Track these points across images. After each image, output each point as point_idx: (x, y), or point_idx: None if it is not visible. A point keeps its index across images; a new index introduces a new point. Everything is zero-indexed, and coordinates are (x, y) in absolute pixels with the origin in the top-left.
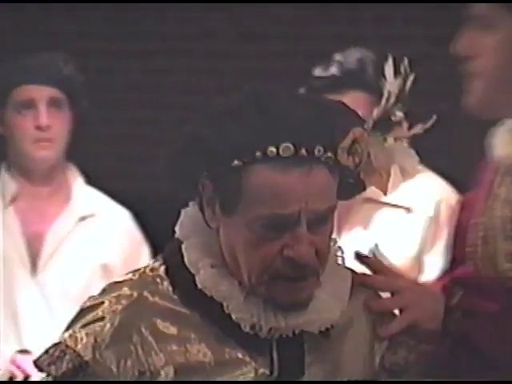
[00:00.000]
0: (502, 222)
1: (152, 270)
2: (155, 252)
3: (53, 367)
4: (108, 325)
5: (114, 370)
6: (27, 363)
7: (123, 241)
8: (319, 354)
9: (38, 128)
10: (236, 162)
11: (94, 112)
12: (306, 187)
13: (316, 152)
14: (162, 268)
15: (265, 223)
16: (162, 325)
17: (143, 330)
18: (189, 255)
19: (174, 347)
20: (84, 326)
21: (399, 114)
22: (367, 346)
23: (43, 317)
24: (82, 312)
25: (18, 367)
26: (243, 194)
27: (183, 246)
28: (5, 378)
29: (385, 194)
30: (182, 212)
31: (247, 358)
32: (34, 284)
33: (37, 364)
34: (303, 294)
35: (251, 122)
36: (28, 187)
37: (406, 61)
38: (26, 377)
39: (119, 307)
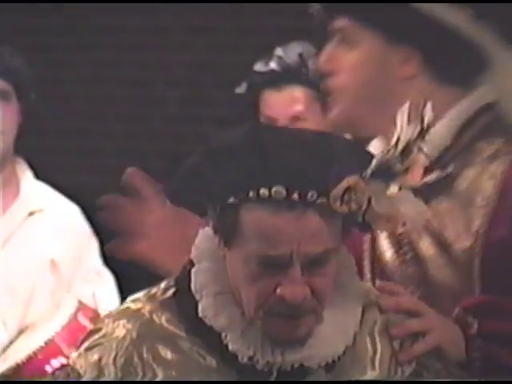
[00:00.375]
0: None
1: (163, 291)
2: (103, 248)
3: None
4: (114, 346)
5: None
6: None
7: (72, 236)
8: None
9: None
10: (232, 198)
11: (42, 105)
12: (297, 230)
13: (309, 197)
14: (172, 291)
15: (259, 261)
16: (163, 351)
17: (145, 354)
18: (195, 281)
19: (174, 373)
20: (90, 347)
21: (410, 160)
22: (387, 373)
23: None
24: (91, 332)
25: None
26: (240, 230)
27: (193, 270)
28: None
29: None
30: (200, 232)
31: None
32: None
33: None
34: (299, 331)
35: (247, 161)
36: None
37: (427, 105)
38: None
39: (124, 330)
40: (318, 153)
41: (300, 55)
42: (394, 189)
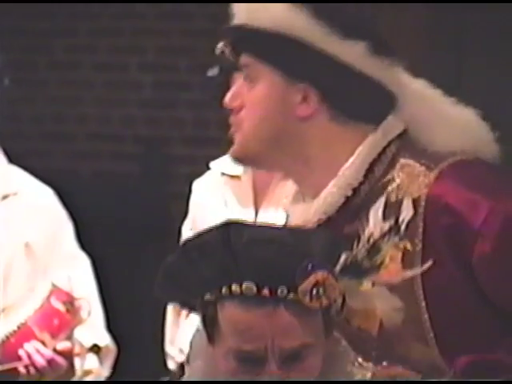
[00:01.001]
0: None
1: None
2: (78, 232)
3: None
4: None
5: None
6: None
7: (47, 219)
8: None
9: None
10: (208, 295)
11: (16, 90)
12: (270, 326)
13: (279, 292)
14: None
15: (236, 356)
16: None
17: None
18: (188, 379)
19: None
20: None
21: (381, 256)
22: None
23: None
24: None
25: None
26: (218, 326)
27: (186, 369)
28: None
29: (374, 334)
30: (195, 330)
31: None
32: None
33: None
34: None
35: (220, 258)
36: None
37: (404, 202)
38: None
39: None
40: (288, 248)
41: None
42: (367, 285)
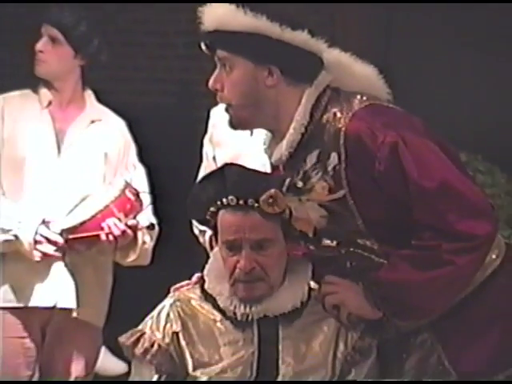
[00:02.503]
0: None
1: (195, 283)
2: (140, 151)
3: (136, 349)
4: (172, 317)
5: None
6: (50, 232)
7: (119, 138)
8: (291, 332)
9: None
10: (212, 208)
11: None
12: (244, 224)
13: (249, 202)
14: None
15: (225, 246)
16: (202, 323)
17: (192, 328)
18: (207, 270)
19: (202, 329)
20: (156, 320)
21: (312, 181)
22: (333, 335)
23: (62, 185)
24: (158, 311)
25: (42, 235)
26: (218, 227)
27: (206, 266)
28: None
29: (311, 235)
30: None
31: (239, 334)
32: (58, 162)
33: (120, 341)
34: (255, 292)
35: (217, 185)
36: (56, 97)
37: (331, 156)
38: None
39: (176, 307)
40: (256, 178)
41: None
42: (304, 199)
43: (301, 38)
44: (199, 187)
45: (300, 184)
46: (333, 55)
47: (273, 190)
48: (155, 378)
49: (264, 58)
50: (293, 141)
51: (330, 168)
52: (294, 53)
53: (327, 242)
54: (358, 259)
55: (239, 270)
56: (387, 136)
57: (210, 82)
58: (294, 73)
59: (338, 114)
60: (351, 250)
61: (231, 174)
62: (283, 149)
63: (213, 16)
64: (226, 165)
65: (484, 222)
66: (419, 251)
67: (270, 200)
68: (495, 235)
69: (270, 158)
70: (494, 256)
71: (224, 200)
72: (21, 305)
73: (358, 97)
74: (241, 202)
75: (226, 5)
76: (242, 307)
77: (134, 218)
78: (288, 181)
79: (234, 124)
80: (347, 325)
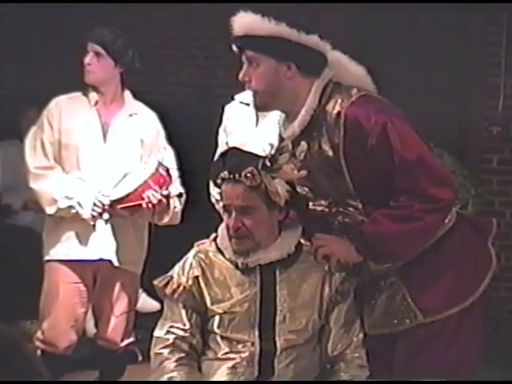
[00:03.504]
0: None
1: (212, 239)
2: (170, 137)
3: (166, 290)
4: (194, 265)
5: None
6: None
7: (152, 127)
8: (286, 277)
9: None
10: (219, 180)
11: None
12: (233, 193)
13: (236, 176)
14: (214, 240)
15: (223, 210)
16: (217, 270)
17: (209, 274)
18: (219, 229)
19: (217, 274)
20: (182, 268)
21: (279, 164)
22: (319, 280)
23: (108, 165)
24: (183, 260)
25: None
26: (222, 196)
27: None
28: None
29: (282, 204)
30: None
31: (245, 278)
32: (104, 147)
33: (156, 284)
34: (242, 247)
35: (221, 164)
36: (101, 98)
37: (301, 145)
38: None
39: (198, 258)
40: (243, 158)
41: None
42: (276, 176)
43: (313, 40)
44: (212, 165)
45: (269, 163)
46: (335, 55)
47: (250, 168)
48: (182, 312)
49: (284, 56)
50: (304, 120)
51: (297, 153)
52: (307, 52)
53: (322, 202)
54: (345, 216)
55: (231, 228)
56: (379, 118)
57: (240, 75)
58: (306, 67)
59: (339, 101)
60: (340, 209)
61: (230, 155)
62: (295, 126)
63: (243, 24)
64: (230, 148)
65: (448, 190)
66: (396, 210)
67: (249, 175)
68: (455, 201)
69: (282, 134)
70: (446, 220)
71: (222, 174)
72: (76, 258)
73: (355, 89)
74: (231, 176)
75: (253, 15)
76: (240, 258)
77: (167, 189)
78: (261, 162)
79: (259, 107)
80: (334, 271)
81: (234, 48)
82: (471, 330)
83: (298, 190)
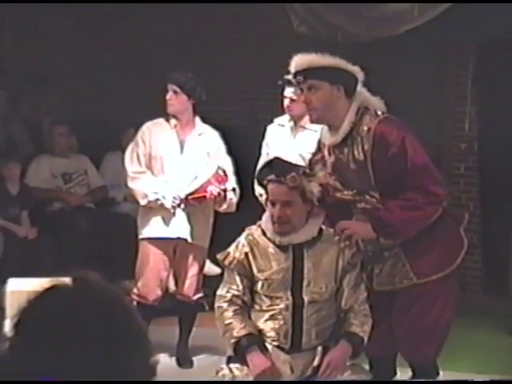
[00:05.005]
0: None
1: (259, 225)
2: (230, 149)
3: (225, 261)
4: (245, 244)
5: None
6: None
7: (215, 142)
8: (311, 253)
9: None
10: (265, 182)
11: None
12: (278, 191)
13: (282, 179)
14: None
15: (269, 203)
16: (261, 247)
17: (255, 251)
18: (263, 217)
19: (261, 251)
20: (236, 246)
21: (315, 172)
22: (335, 256)
23: (184, 170)
24: (238, 240)
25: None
26: (268, 193)
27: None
28: None
29: (315, 200)
30: None
31: (282, 254)
32: (181, 157)
33: (215, 257)
34: (282, 229)
35: (267, 168)
36: (179, 123)
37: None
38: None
39: (248, 238)
40: (287, 165)
41: None
42: (311, 180)
43: (355, 69)
44: (260, 170)
45: (308, 171)
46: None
47: (293, 173)
48: (237, 277)
49: (336, 81)
50: (345, 131)
51: (328, 163)
52: (351, 77)
53: (349, 192)
54: (366, 203)
55: (275, 216)
56: (399, 134)
57: (302, 98)
58: (349, 89)
59: (369, 120)
60: (362, 197)
61: (275, 163)
62: (339, 135)
63: (305, 60)
64: (275, 158)
65: (443, 188)
66: (404, 201)
67: (292, 179)
68: (447, 197)
69: (325, 141)
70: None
71: (269, 177)
72: (161, 236)
73: (380, 112)
74: (277, 178)
75: (310, 53)
76: (278, 238)
77: (224, 185)
78: (302, 169)
79: (314, 121)
80: (347, 248)
81: (296, 79)
82: (450, 291)
83: (331, 183)
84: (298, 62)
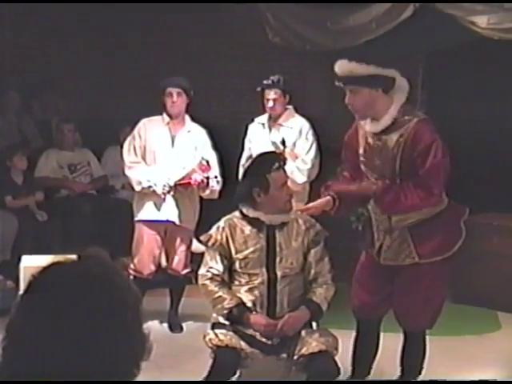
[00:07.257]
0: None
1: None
2: (215, 144)
3: (208, 242)
4: (225, 227)
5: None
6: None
7: (202, 137)
8: (282, 234)
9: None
10: (270, 172)
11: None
12: (282, 176)
13: (281, 165)
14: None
15: (275, 189)
16: (239, 229)
17: (233, 233)
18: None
19: (238, 231)
20: (217, 228)
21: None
22: (301, 236)
23: (173, 161)
24: (218, 223)
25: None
26: (270, 182)
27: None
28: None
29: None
30: None
31: (257, 234)
32: (172, 150)
33: (199, 238)
34: (286, 207)
35: (266, 161)
36: (171, 120)
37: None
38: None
39: (227, 222)
40: (276, 154)
41: None
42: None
43: (392, 73)
44: (262, 163)
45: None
46: (402, 80)
47: (283, 158)
48: (218, 257)
49: (375, 85)
50: (386, 123)
51: (361, 148)
52: (387, 79)
53: (376, 175)
54: (389, 185)
55: (287, 195)
56: (431, 136)
57: (346, 100)
58: (386, 89)
59: (409, 118)
60: (387, 181)
61: (271, 156)
62: (380, 125)
63: (346, 68)
64: (268, 152)
65: (440, 195)
66: (412, 191)
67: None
68: (442, 193)
69: (370, 129)
70: (445, 202)
71: (274, 167)
72: (153, 219)
73: (420, 113)
74: (278, 166)
75: (349, 61)
76: (270, 217)
77: (207, 173)
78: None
79: (360, 118)
80: (309, 228)
81: (339, 83)
82: (445, 272)
83: (362, 167)
84: (340, 68)
